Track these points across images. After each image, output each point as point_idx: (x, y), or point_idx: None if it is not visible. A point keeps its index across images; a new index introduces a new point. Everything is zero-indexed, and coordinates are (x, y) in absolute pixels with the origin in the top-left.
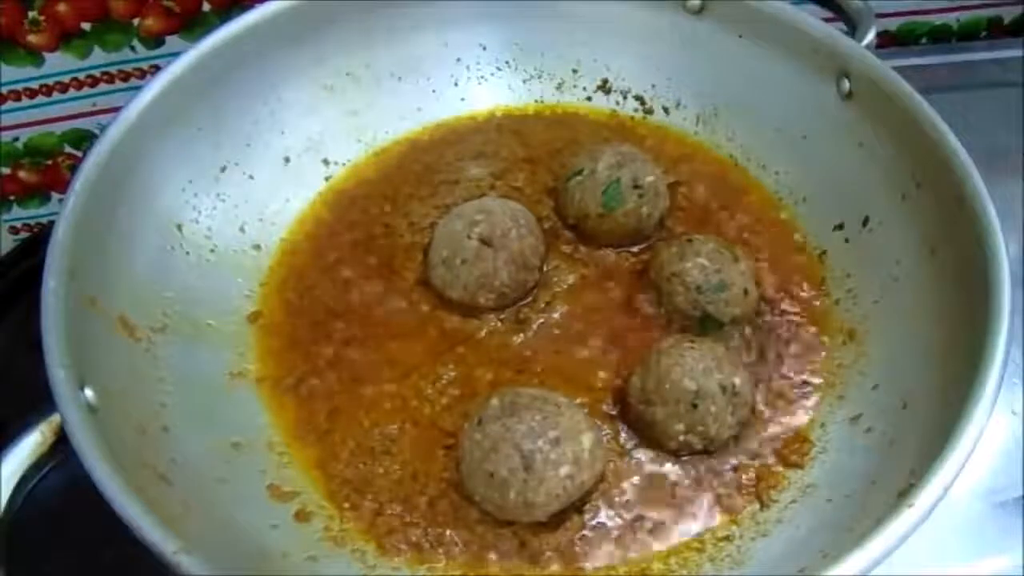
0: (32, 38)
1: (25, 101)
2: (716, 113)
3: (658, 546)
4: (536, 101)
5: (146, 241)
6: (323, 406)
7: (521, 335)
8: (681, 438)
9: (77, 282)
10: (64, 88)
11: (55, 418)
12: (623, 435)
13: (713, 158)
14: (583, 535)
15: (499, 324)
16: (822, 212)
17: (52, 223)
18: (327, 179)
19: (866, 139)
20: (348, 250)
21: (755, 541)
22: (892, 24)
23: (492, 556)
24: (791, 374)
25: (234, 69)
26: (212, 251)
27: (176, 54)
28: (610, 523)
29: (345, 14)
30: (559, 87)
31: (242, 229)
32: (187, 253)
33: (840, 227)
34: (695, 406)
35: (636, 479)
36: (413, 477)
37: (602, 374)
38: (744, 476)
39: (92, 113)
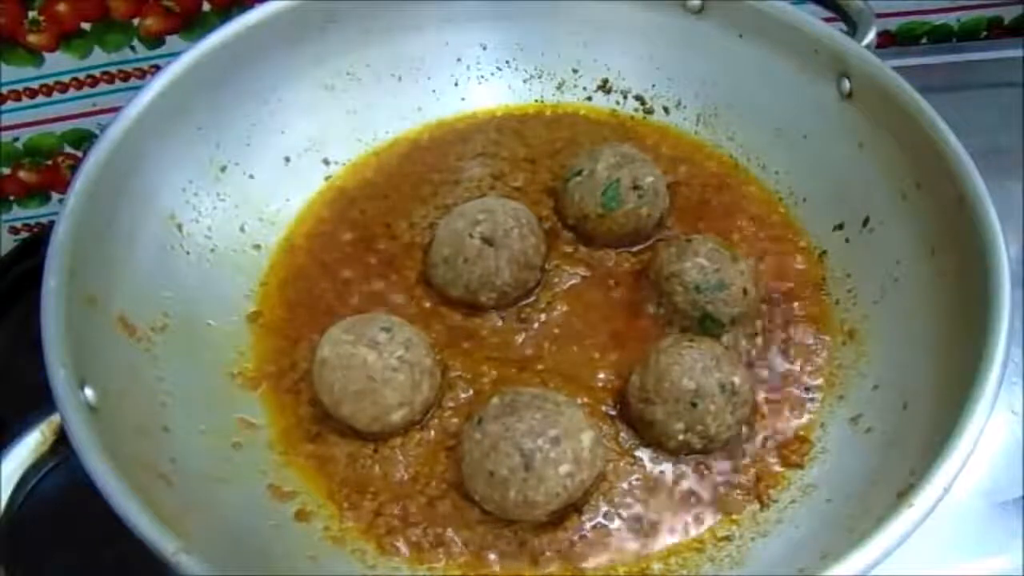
0: (32, 38)
1: (25, 101)
2: (716, 113)
3: (658, 546)
4: (536, 101)
5: (146, 241)
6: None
7: (522, 334)
8: (681, 437)
9: (77, 282)
10: (64, 88)
11: (55, 418)
12: (623, 435)
13: (713, 158)
14: (583, 535)
15: (500, 323)
16: (822, 212)
17: (52, 223)
18: (327, 179)
19: (866, 139)
20: (348, 250)
21: (755, 541)
22: (892, 24)
23: (492, 556)
24: (791, 374)
25: (234, 69)
26: (212, 251)
27: (176, 54)
28: (610, 523)
29: (345, 14)
30: (559, 87)
31: (242, 229)
32: (187, 253)
33: (840, 227)
34: (694, 405)
35: (636, 479)
36: (414, 477)
37: (602, 374)
38: (744, 476)
39: (92, 113)
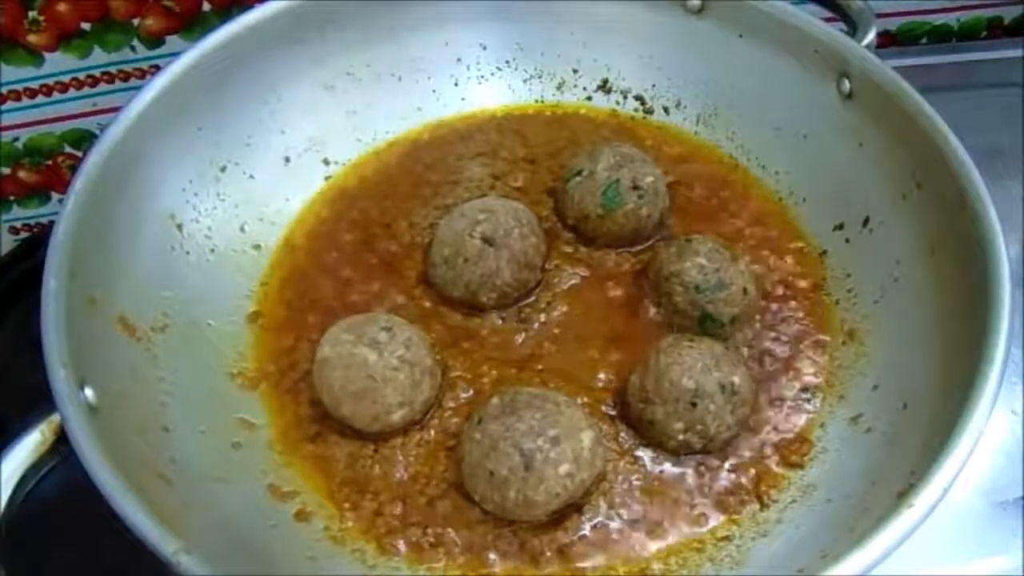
0: (32, 38)
1: (25, 101)
2: (716, 113)
3: (658, 546)
4: (536, 101)
5: (146, 241)
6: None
7: (523, 334)
8: (680, 437)
9: (77, 282)
10: (64, 88)
11: (55, 418)
12: (623, 435)
13: (713, 158)
14: (583, 535)
15: (500, 323)
16: (822, 212)
17: (52, 223)
18: (327, 178)
19: (866, 139)
20: (348, 250)
21: (755, 541)
22: (892, 24)
23: (492, 556)
24: (791, 374)
25: (234, 69)
26: (212, 251)
27: (176, 54)
28: (610, 523)
29: (345, 14)
30: (559, 87)
31: (242, 229)
32: (187, 253)
33: (840, 227)
34: (694, 405)
35: (636, 479)
36: (413, 477)
37: (602, 374)
38: (744, 476)
39: (92, 113)
